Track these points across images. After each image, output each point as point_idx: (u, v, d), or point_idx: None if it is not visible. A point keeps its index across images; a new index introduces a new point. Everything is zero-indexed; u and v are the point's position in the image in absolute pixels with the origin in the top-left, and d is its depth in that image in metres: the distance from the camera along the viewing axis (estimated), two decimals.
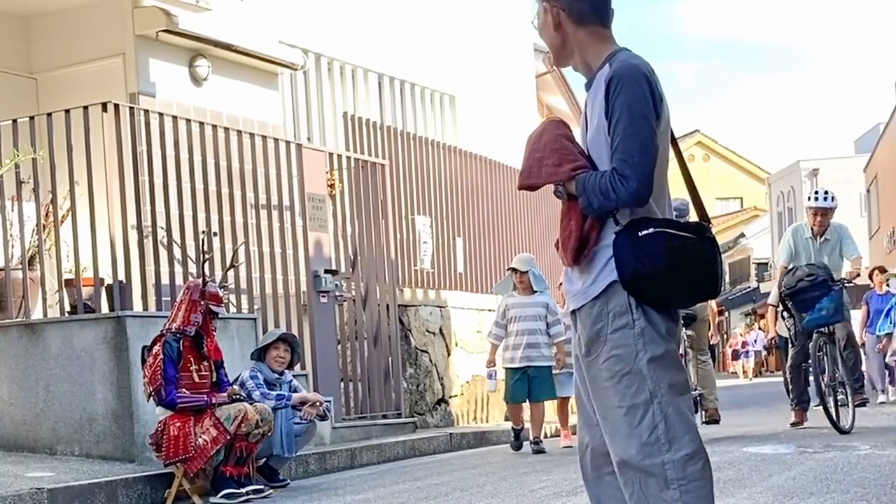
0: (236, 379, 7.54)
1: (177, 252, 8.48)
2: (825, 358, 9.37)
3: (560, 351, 9.44)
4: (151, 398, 6.95)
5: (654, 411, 3.15)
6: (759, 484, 6.25)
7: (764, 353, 39.41)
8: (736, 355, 39.13)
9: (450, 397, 12.23)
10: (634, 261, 3.12)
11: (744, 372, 37.60)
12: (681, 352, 10.37)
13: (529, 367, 9.39)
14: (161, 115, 8.62)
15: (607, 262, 3.20)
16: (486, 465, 8.55)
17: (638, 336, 3.17)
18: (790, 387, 10.09)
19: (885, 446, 8.04)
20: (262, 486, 7.15)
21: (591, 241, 3.22)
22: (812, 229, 9.84)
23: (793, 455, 7.72)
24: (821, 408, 9.38)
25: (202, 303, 7.07)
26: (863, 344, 13.57)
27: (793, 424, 9.86)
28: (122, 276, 7.95)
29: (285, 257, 9.59)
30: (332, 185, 10.60)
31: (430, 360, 11.94)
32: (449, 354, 12.29)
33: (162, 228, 8.42)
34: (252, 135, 9.54)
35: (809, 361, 9.60)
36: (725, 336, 43.72)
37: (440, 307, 12.24)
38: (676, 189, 3.34)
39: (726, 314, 46.39)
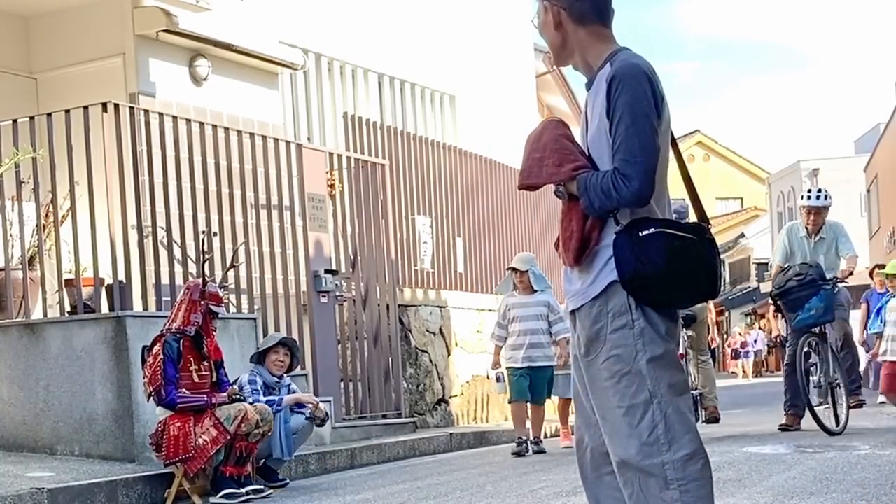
0: (235, 381, 7.54)
1: (177, 252, 8.48)
2: (816, 358, 9.29)
3: (563, 349, 9.38)
4: (151, 398, 6.95)
5: (653, 411, 3.15)
6: (759, 484, 6.25)
7: (764, 352, 39.41)
8: (735, 355, 39.10)
9: (450, 397, 12.24)
10: (635, 261, 3.12)
11: (743, 372, 37.57)
12: (681, 352, 10.41)
13: (531, 367, 9.33)
14: (161, 115, 8.62)
15: (607, 262, 3.20)
16: (486, 465, 8.55)
17: (637, 336, 3.17)
18: (784, 388, 9.99)
19: (885, 446, 8.04)
20: (261, 486, 7.15)
21: (592, 241, 3.22)
22: (806, 228, 9.74)
23: (793, 455, 7.72)
24: (820, 409, 9.32)
25: (202, 303, 7.07)
26: (863, 343, 13.54)
27: (781, 427, 9.56)
28: (122, 276, 7.95)
29: (285, 257, 9.59)
30: (332, 185, 10.60)
31: (430, 360, 11.94)
32: (449, 354, 12.29)
33: (162, 228, 8.42)
34: (252, 135, 9.54)
35: (817, 361, 9.43)
36: (726, 336, 43.73)
37: (440, 307, 12.24)
38: (676, 189, 3.34)
39: (726, 314, 46.44)
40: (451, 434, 10.69)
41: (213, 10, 10.38)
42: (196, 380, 7.03)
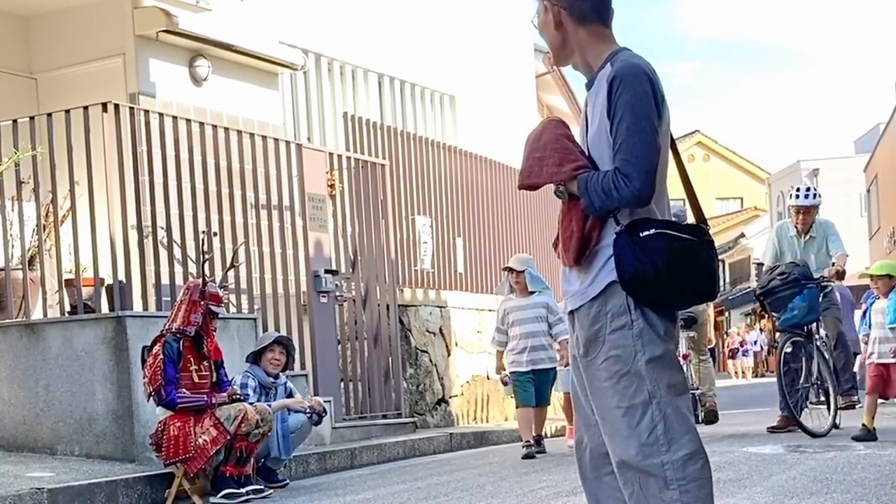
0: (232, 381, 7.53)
1: (177, 252, 8.48)
2: (803, 358, 9.16)
3: (564, 349, 9.30)
4: (151, 398, 6.95)
5: (653, 412, 3.15)
6: (759, 484, 6.25)
7: (764, 352, 39.36)
8: (733, 355, 39.03)
9: (450, 397, 12.24)
10: (634, 261, 3.12)
11: (741, 372, 37.51)
12: (685, 352, 10.40)
13: (535, 370, 9.18)
14: (161, 115, 8.62)
15: (606, 262, 3.20)
16: (486, 465, 8.55)
17: (636, 337, 3.17)
18: (778, 388, 9.87)
19: (884, 446, 8.04)
20: (261, 486, 7.15)
21: (592, 241, 3.22)
22: (796, 227, 9.59)
23: (793, 455, 7.72)
24: (821, 409, 9.28)
25: (202, 303, 7.07)
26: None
27: (770, 429, 9.43)
28: (122, 276, 7.95)
29: (285, 257, 9.59)
30: (332, 185, 10.60)
31: (431, 360, 11.94)
32: (449, 354, 12.29)
33: (162, 228, 8.42)
34: (252, 135, 9.54)
35: (802, 362, 9.27)
36: (725, 336, 43.72)
37: (440, 307, 12.24)
38: (674, 190, 3.34)
39: (726, 314, 46.44)
40: (451, 434, 10.69)
41: (213, 10, 10.38)
42: (196, 380, 7.03)
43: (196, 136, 8.83)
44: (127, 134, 8.12)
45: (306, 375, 9.38)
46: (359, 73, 13.38)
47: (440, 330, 12.19)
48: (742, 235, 49.03)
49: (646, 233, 3.13)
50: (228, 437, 6.88)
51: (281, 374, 7.87)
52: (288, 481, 7.62)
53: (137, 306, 8.06)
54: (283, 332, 9.09)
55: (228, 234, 8.87)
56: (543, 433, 9.73)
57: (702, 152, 55.49)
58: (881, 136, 31.49)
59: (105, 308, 8.05)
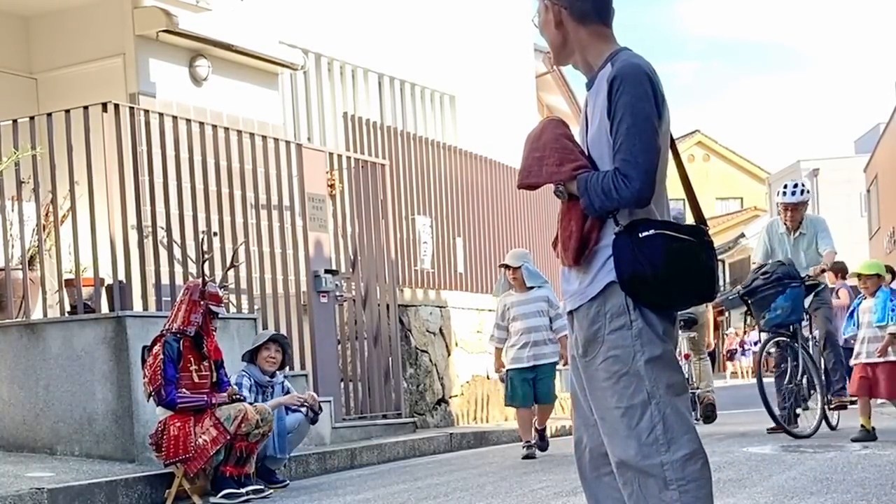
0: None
1: (177, 252, 8.48)
2: (788, 359, 9.06)
3: (564, 348, 9.14)
4: (151, 398, 6.95)
5: (652, 412, 3.15)
6: (759, 484, 6.25)
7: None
8: (731, 356, 38.91)
9: (450, 397, 12.24)
10: (634, 262, 3.12)
11: (735, 372, 37.42)
12: (686, 352, 10.37)
13: (537, 365, 8.94)
14: (161, 115, 8.62)
15: (605, 262, 3.20)
16: (486, 465, 8.55)
17: (636, 337, 3.17)
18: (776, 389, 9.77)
19: (885, 446, 8.04)
20: (262, 486, 7.15)
21: (591, 242, 3.22)
22: (786, 225, 9.47)
23: (793, 455, 7.72)
24: (820, 409, 9.22)
25: (202, 303, 7.07)
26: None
27: (771, 430, 9.31)
28: (122, 276, 7.95)
29: (285, 257, 9.59)
30: (332, 185, 10.60)
31: (431, 360, 11.94)
32: (449, 354, 12.29)
33: (162, 228, 8.42)
34: (252, 135, 9.54)
35: (787, 363, 9.17)
36: (725, 336, 43.70)
37: (440, 307, 12.24)
38: (674, 190, 3.34)
39: (726, 314, 46.40)
40: (451, 434, 10.68)
41: (213, 10, 10.39)
42: (196, 380, 7.03)
43: (196, 136, 8.83)
44: (127, 134, 8.12)
45: (306, 375, 9.39)
46: (359, 73, 13.38)
47: (440, 330, 12.19)
48: (742, 235, 49.01)
49: (645, 233, 3.13)
50: (228, 437, 6.88)
51: (278, 372, 7.86)
52: (288, 482, 7.62)
53: (137, 306, 8.06)
54: (283, 333, 9.09)
55: (228, 234, 8.87)
56: (547, 431, 9.41)
57: (702, 152, 55.46)
58: (881, 136, 31.49)
59: (105, 308, 8.05)
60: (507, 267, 9.25)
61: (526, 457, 8.84)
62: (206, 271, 7.99)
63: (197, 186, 8.74)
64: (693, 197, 3.38)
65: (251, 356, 7.79)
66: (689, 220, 3.38)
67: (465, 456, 9.75)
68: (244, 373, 7.68)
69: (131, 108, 8.34)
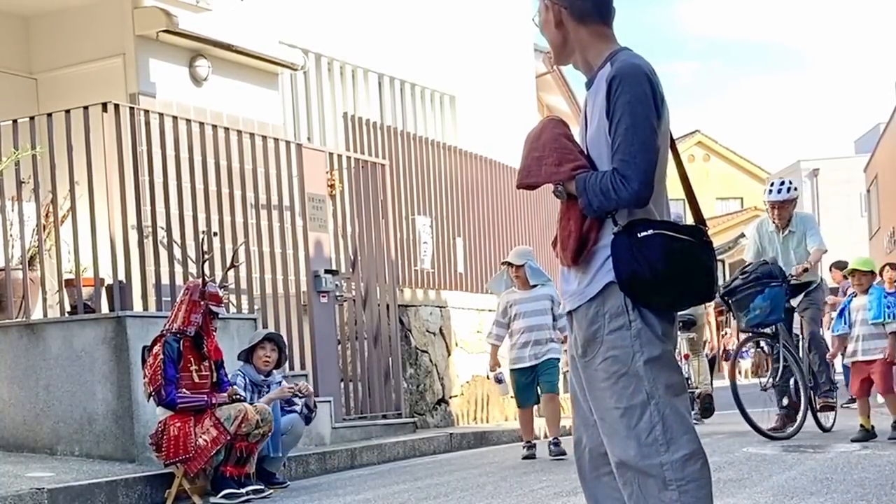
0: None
1: (177, 252, 8.48)
2: (769, 360, 9.04)
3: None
4: (151, 398, 6.95)
5: (651, 412, 3.15)
6: (759, 484, 6.25)
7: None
8: (727, 356, 38.74)
9: (450, 397, 12.24)
10: (632, 262, 3.11)
11: (732, 373, 37.25)
12: (686, 353, 10.37)
13: (538, 364, 8.77)
14: (161, 115, 8.62)
15: (604, 262, 3.19)
16: (486, 465, 8.55)
17: (634, 337, 3.17)
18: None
19: (884, 446, 8.05)
20: (262, 486, 7.15)
21: (590, 242, 3.21)
22: (774, 223, 9.34)
23: (793, 455, 7.72)
24: (803, 410, 9.13)
25: (202, 303, 7.07)
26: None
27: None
28: (122, 276, 7.95)
29: (285, 257, 9.59)
30: (332, 185, 10.60)
31: (431, 361, 11.94)
32: (449, 354, 12.29)
33: (162, 228, 8.42)
34: (252, 135, 9.54)
35: (780, 364, 9.07)
36: (723, 336, 43.63)
37: (440, 307, 12.24)
38: (674, 190, 3.34)
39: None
40: (451, 434, 10.68)
41: (213, 10, 10.38)
42: (196, 380, 7.03)
43: (196, 136, 8.83)
44: (127, 134, 8.12)
45: (306, 375, 9.38)
46: (359, 73, 13.38)
47: (440, 330, 12.19)
48: (742, 235, 48.90)
49: (643, 233, 3.12)
50: (228, 438, 6.88)
51: (275, 372, 7.85)
52: (288, 483, 7.62)
53: (137, 306, 8.06)
54: (284, 333, 9.10)
55: (228, 234, 8.87)
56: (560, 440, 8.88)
57: (702, 152, 55.42)
58: (881, 136, 31.49)
59: (105, 308, 8.05)
60: (509, 265, 9.09)
61: (526, 457, 8.80)
62: (206, 271, 7.98)
63: (197, 186, 8.74)
64: (693, 197, 3.38)
65: (247, 356, 7.78)
66: (689, 220, 3.37)
67: (465, 456, 9.75)
68: (239, 372, 7.66)
69: (131, 108, 8.34)
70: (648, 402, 3.15)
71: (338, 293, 9.95)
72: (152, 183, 8.41)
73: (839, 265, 14.02)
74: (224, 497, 6.89)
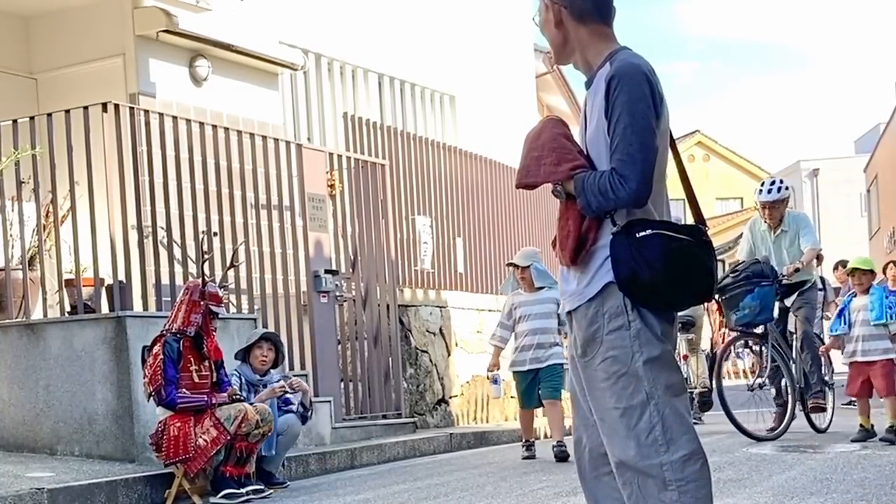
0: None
1: (177, 252, 8.48)
2: (762, 359, 8.99)
3: None
4: (151, 398, 6.95)
5: (651, 412, 3.15)
6: (759, 484, 6.25)
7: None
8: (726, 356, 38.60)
9: (450, 397, 12.23)
10: (631, 262, 3.11)
11: (733, 373, 37.26)
12: (685, 353, 10.36)
13: (539, 368, 8.73)
14: (161, 115, 8.62)
15: (603, 262, 3.19)
16: (486, 465, 8.54)
17: (634, 337, 3.17)
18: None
19: (884, 446, 8.05)
20: (262, 486, 7.15)
21: (589, 242, 3.21)
22: (766, 223, 9.27)
23: (793, 455, 7.72)
24: (790, 410, 9.11)
25: (202, 303, 7.07)
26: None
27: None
28: (122, 276, 7.95)
29: (285, 257, 9.59)
30: (332, 185, 10.59)
31: (431, 361, 11.94)
32: (449, 355, 12.29)
33: (162, 228, 8.42)
34: (252, 135, 9.54)
35: (768, 364, 9.06)
36: (724, 333, 43.62)
37: (440, 307, 12.24)
38: (674, 190, 3.33)
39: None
40: (451, 434, 10.68)
41: (213, 10, 10.38)
42: (196, 380, 7.03)
43: (196, 136, 8.83)
44: (127, 134, 8.12)
45: (306, 375, 9.38)
46: (359, 73, 13.38)
47: (440, 330, 12.18)
48: (742, 235, 49.02)
49: (642, 233, 3.12)
50: (228, 438, 6.88)
51: (273, 372, 7.84)
52: (288, 483, 7.62)
53: (137, 306, 8.06)
54: (284, 333, 9.10)
55: (228, 234, 8.87)
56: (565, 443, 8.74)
57: (702, 152, 55.41)
58: (881, 136, 31.50)
59: (105, 308, 8.05)
60: (515, 266, 9.04)
61: (526, 457, 8.80)
62: (206, 271, 7.98)
63: (197, 186, 8.74)
64: (693, 197, 3.38)
65: (244, 355, 7.78)
66: (689, 220, 3.37)
67: (465, 456, 9.75)
68: (235, 372, 7.65)
69: (131, 108, 8.34)
70: (648, 402, 3.15)
71: (338, 293, 9.95)
72: (152, 183, 8.41)
73: (844, 265, 13.98)
74: (224, 497, 6.90)
